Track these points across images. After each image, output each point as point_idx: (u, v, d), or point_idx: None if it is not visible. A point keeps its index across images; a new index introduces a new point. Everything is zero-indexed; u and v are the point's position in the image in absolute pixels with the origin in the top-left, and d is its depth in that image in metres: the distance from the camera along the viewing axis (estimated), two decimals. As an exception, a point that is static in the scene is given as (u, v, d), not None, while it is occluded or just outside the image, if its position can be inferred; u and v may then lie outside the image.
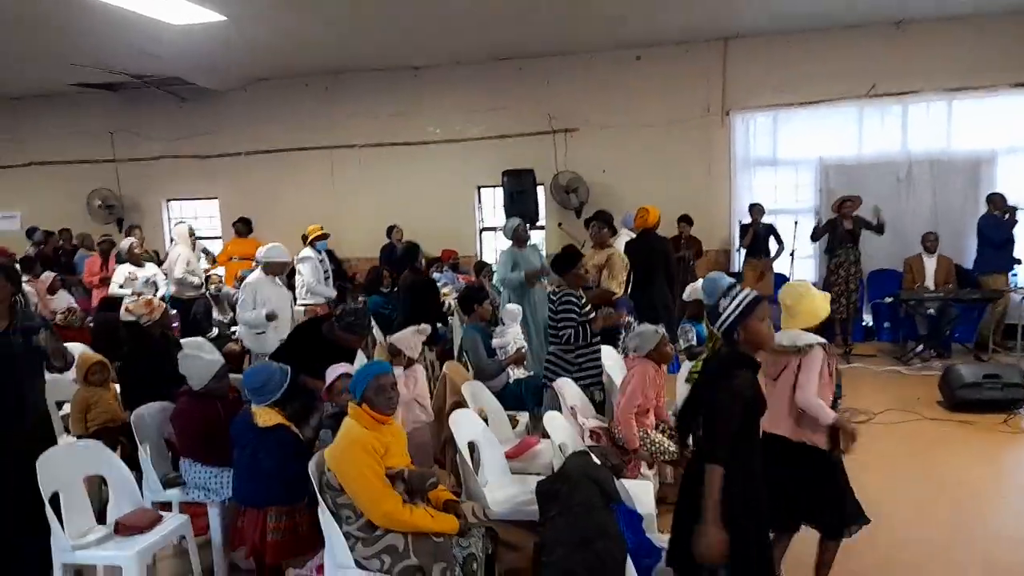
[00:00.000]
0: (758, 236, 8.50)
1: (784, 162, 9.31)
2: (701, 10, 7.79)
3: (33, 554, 3.19)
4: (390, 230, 9.42)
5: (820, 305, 2.98)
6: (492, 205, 10.21)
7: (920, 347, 7.60)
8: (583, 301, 4.34)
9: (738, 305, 2.43)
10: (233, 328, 7.22)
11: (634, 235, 7.16)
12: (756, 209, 8.56)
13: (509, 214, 8.38)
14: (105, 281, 7.54)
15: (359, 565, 2.88)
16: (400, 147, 10.11)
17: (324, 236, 7.89)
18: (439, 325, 6.45)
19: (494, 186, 9.81)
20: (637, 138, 9.37)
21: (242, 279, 7.88)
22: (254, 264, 6.45)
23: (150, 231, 10.19)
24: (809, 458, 3.00)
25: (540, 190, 9.47)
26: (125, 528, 3.22)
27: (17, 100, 10.95)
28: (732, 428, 2.33)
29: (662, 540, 2.92)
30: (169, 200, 11.19)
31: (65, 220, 10.34)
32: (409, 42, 8.47)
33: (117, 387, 4.63)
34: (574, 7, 7.31)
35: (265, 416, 3.34)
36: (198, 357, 3.80)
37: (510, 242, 6.31)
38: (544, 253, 7.66)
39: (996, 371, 5.99)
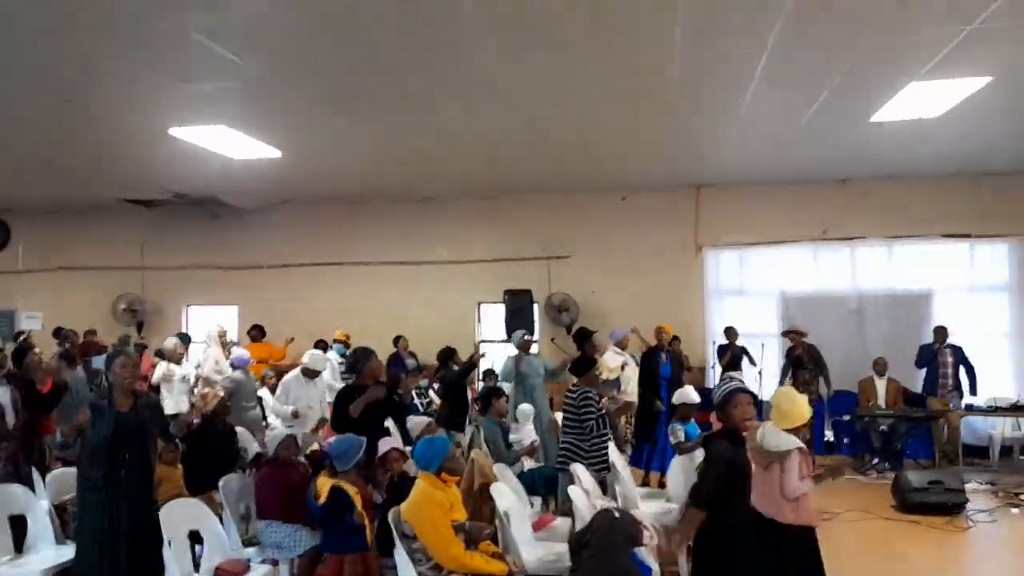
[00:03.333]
0: (735, 356, 9.52)
1: (750, 293, 10.52)
2: (677, 162, 9.16)
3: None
4: (396, 340, 10.28)
5: (806, 410, 3.86)
6: (490, 320, 11.17)
7: (875, 459, 8.50)
8: (599, 397, 5.23)
9: (720, 393, 3.40)
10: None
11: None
12: (732, 332, 9.63)
13: (509, 328, 9.37)
14: (144, 377, 8.23)
15: (429, 599, 3.59)
16: (408, 266, 11.17)
17: (341, 341, 8.80)
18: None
19: (493, 302, 10.83)
20: (622, 266, 10.54)
21: (263, 379, 8.73)
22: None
23: (171, 332, 10.90)
24: (804, 535, 3.80)
25: (535, 308, 10.51)
26: (224, 572, 3.88)
27: (54, 210, 11.91)
28: (713, 483, 3.23)
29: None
30: (189, 306, 11.98)
31: (87, 322, 11.02)
32: (422, 175, 9.71)
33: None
34: (566, 152, 8.46)
35: (325, 486, 4.04)
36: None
37: (516, 350, 7.29)
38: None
39: (940, 477, 6.90)
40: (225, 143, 7.51)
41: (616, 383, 7.20)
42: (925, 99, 6.20)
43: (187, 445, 5.36)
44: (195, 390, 7.60)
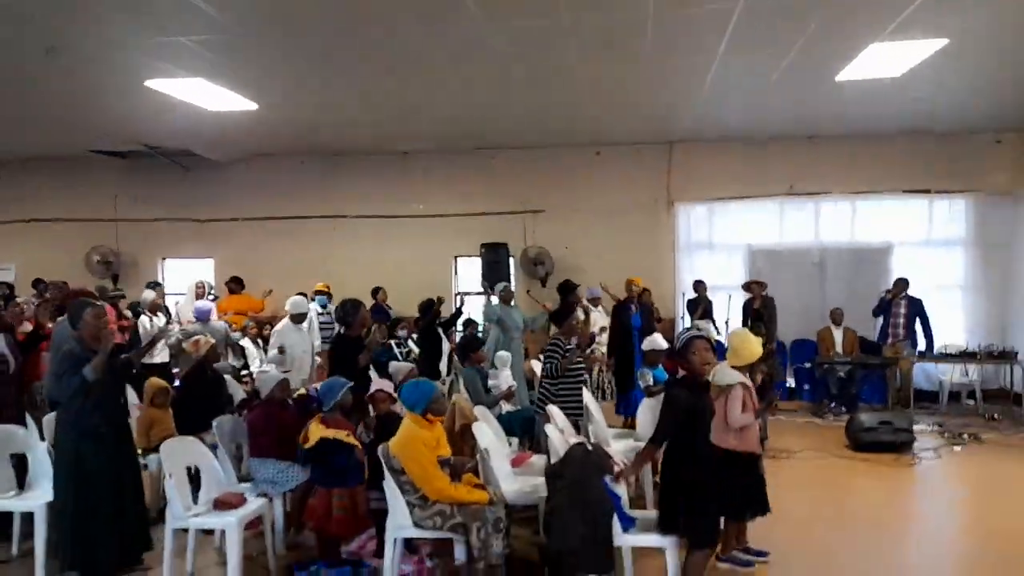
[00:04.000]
0: (706, 309, 9.87)
1: (718, 246, 10.86)
2: (650, 119, 9.35)
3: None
4: (375, 292, 10.47)
5: (756, 348, 4.24)
6: (467, 273, 11.40)
7: (832, 404, 9.02)
8: (568, 345, 5.53)
9: (681, 341, 3.71)
10: (243, 372, 8.12)
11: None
12: (701, 285, 9.98)
13: (486, 280, 9.63)
14: (121, 329, 8.32)
15: (416, 525, 3.91)
16: (386, 219, 11.29)
17: (323, 292, 9.00)
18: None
19: (470, 256, 11.04)
20: (596, 220, 10.79)
21: (243, 329, 8.92)
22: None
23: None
24: (746, 461, 4.20)
25: (511, 261, 10.75)
26: (222, 504, 4.15)
27: (25, 161, 11.74)
28: (669, 425, 3.58)
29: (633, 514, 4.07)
30: (165, 259, 12.00)
31: (60, 274, 10.96)
32: (401, 131, 9.79)
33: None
34: (542, 109, 8.61)
35: (316, 433, 4.25)
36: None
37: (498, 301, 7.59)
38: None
39: (889, 418, 7.39)
40: (202, 95, 7.50)
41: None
42: (885, 60, 6.46)
43: (179, 389, 5.57)
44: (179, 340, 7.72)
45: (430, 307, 8.23)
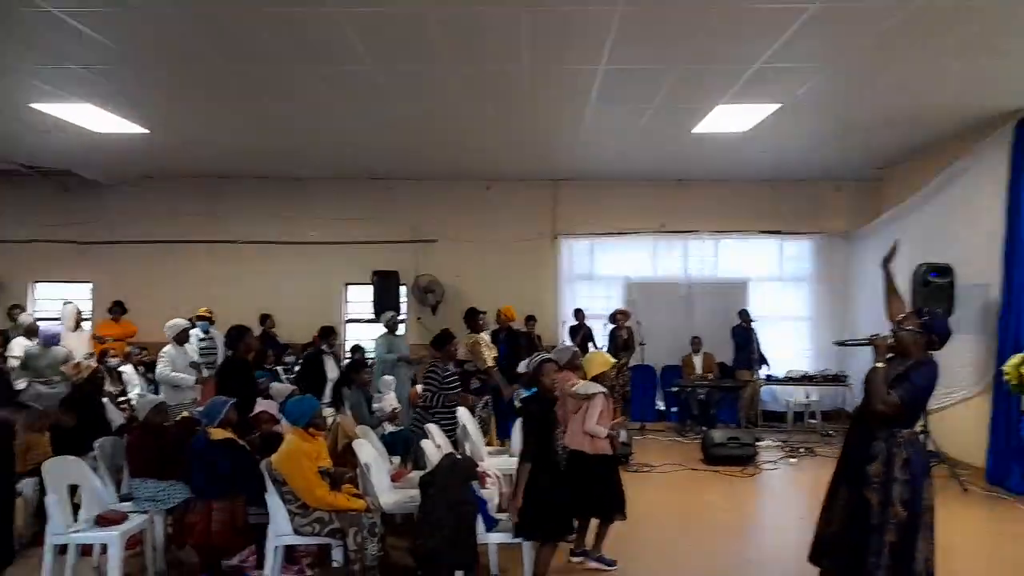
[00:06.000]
0: (585, 336, 10.58)
1: (598, 278, 11.69)
2: (535, 159, 10.06)
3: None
4: (264, 319, 10.51)
5: (599, 361, 4.85)
6: (358, 300, 11.63)
7: (692, 423, 9.90)
8: (447, 373, 5.95)
9: (530, 366, 4.25)
10: (120, 399, 8.00)
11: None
12: (580, 313, 10.70)
13: (378, 308, 9.92)
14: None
15: (297, 532, 4.19)
16: (277, 245, 11.37)
17: (205, 317, 9.01)
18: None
19: (361, 283, 11.30)
20: (485, 251, 11.34)
21: (127, 356, 8.79)
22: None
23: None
24: (602, 462, 4.76)
25: (402, 289, 11.10)
26: (105, 520, 4.27)
27: None
28: (531, 436, 4.09)
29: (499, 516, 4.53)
30: (37, 282, 11.50)
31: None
32: (294, 159, 9.99)
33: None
34: (433, 145, 9.08)
35: (217, 433, 4.56)
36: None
37: (385, 329, 7.91)
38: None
39: (736, 435, 8.28)
40: (91, 119, 7.48)
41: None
42: (731, 118, 7.43)
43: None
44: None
45: (329, 333, 8.42)
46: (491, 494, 5.07)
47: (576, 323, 10.69)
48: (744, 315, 10.34)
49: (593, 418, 4.70)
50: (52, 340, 7.46)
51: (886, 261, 4.08)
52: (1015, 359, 6.78)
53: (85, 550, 4.59)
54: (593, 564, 4.94)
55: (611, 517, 4.87)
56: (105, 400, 6.57)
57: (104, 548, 4.34)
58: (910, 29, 5.17)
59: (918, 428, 3.81)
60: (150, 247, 11.29)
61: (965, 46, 5.51)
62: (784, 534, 5.93)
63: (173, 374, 6.74)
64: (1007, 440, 7.22)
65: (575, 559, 4.95)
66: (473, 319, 8.03)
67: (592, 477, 4.62)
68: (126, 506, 4.70)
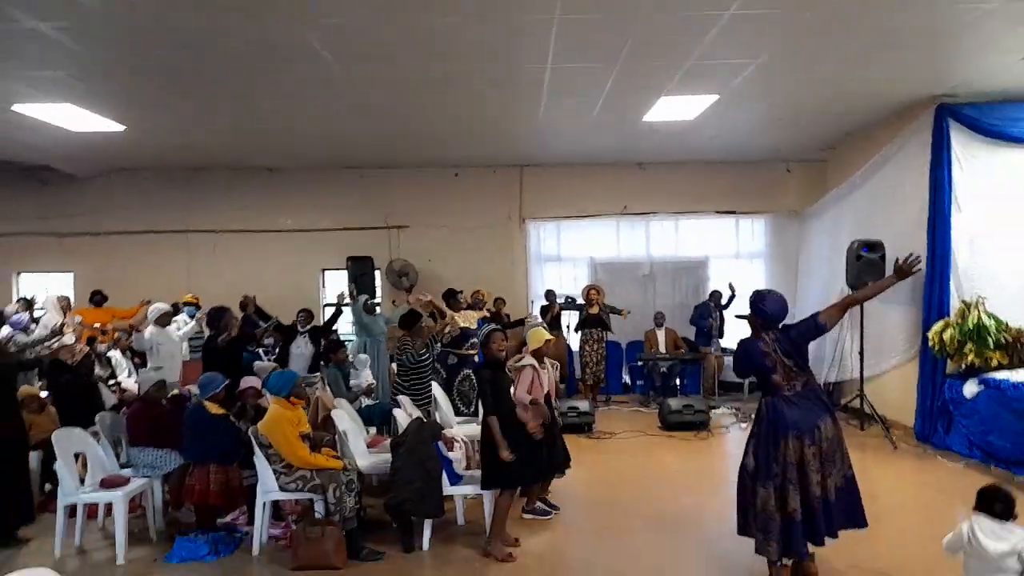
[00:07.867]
0: (555, 315, 11.13)
1: (565, 259, 12.25)
2: (500, 147, 10.53)
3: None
4: (244, 305, 10.91)
5: (536, 337, 5.36)
6: (334, 285, 12.07)
7: (655, 394, 10.54)
8: (420, 353, 6.49)
9: (483, 334, 4.80)
10: (110, 381, 8.43)
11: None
12: (551, 294, 11.26)
13: (353, 285, 10.44)
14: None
15: (282, 489, 4.73)
16: (253, 234, 11.77)
17: (192, 303, 9.44)
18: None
19: (337, 269, 11.75)
20: (456, 235, 11.83)
21: (116, 342, 9.20)
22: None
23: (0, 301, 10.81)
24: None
25: (377, 273, 11.58)
26: (109, 483, 4.77)
27: None
28: (486, 396, 4.63)
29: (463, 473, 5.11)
30: (20, 273, 11.80)
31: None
32: (269, 150, 10.38)
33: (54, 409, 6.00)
34: (401, 135, 9.49)
35: (215, 408, 5.07)
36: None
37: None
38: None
39: (691, 403, 8.93)
40: (70, 119, 7.82)
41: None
42: (677, 108, 7.97)
43: (55, 394, 6.02)
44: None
45: (311, 317, 8.90)
46: (458, 456, 5.64)
47: (546, 303, 11.25)
48: (714, 295, 10.95)
49: (521, 389, 5.16)
50: (18, 326, 7.79)
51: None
52: (938, 326, 7.49)
53: (90, 514, 5.09)
54: (542, 507, 5.51)
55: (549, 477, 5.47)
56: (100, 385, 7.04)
57: (109, 510, 4.84)
58: (819, 29, 5.69)
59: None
60: (129, 237, 11.62)
61: (878, 42, 6.07)
62: (729, 486, 6.55)
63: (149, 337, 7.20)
64: (932, 401, 7.89)
65: (527, 516, 5.52)
66: (452, 299, 8.58)
67: (529, 442, 5.16)
68: (126, 472, 5.19)
